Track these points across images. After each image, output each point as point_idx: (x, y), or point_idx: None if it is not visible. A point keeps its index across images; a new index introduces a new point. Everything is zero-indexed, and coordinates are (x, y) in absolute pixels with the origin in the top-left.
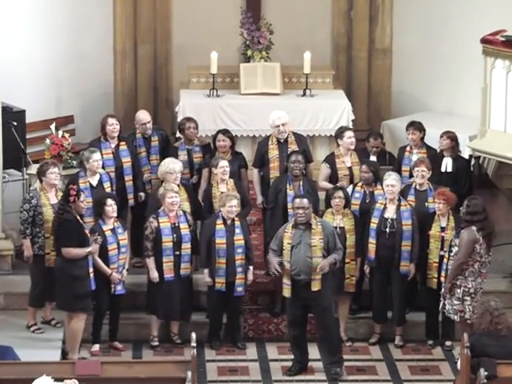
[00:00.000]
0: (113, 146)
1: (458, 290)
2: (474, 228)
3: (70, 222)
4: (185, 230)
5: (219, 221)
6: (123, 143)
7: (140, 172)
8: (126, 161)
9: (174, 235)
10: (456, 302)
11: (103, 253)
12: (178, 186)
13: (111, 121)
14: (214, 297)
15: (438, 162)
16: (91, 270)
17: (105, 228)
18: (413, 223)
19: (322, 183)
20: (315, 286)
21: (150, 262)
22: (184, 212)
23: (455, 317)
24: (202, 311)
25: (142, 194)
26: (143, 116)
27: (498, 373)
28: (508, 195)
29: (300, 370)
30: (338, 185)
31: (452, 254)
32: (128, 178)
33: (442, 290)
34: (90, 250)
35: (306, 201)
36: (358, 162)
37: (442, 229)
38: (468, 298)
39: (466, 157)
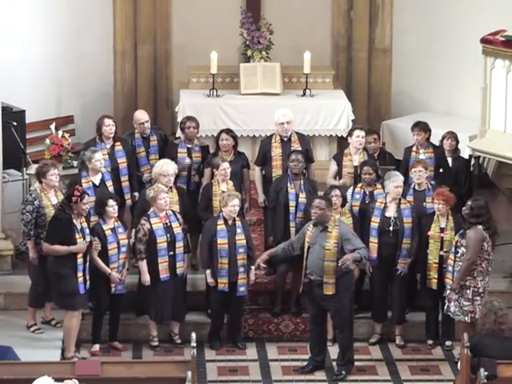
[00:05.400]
0: (108, 146)
1: (468, 291)
2: (479, 227)
3: (61, 220)
4: (177, 228)
5: (220, 221)
6: (118, 144)
7: (135, 172)
8: (122, 161)
9: (168, 235)
10: (466, 303)
11: (103, 252)
12: (171, 188)
13: (108, 121)
14: (217, 297)
15: (446, 160)
16: (80, 274)
17: (105, 227)
18: (413, 221)
19: (329, 180)
20: (328, 290)
21: (143, 265)
22: (173, 211)
23: (466, 318)
24: (202, 311)
25: (136, 194)
26: (141, 115)
27: (498, 373)
28: (508, 195)
29: (314, 368)
30: (340, 182)
31: (458, 255)
32: (124, 178)
33: (447, 291)
34: (72, 248)
35: (323, 202)
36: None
37: (442, 229)
38: (478, 298)
39: (466, 157)
